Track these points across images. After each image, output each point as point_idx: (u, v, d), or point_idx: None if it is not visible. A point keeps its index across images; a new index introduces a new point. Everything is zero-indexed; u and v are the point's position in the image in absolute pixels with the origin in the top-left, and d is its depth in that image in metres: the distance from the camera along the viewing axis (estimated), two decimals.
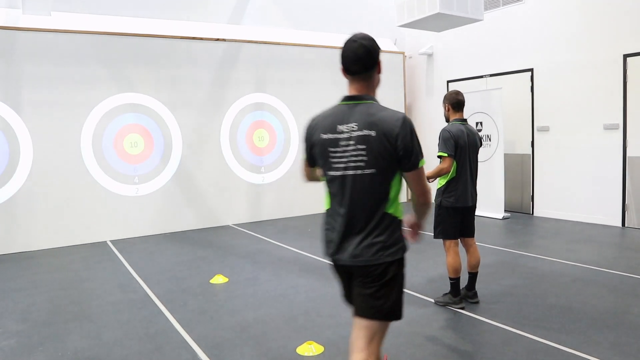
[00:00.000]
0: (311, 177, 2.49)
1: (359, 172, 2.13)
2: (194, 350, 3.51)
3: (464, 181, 4.13)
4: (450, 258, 4.18)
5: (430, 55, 10.35)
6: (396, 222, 2.20)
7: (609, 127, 7.28)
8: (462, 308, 4.15)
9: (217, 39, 8.32)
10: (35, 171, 6.94)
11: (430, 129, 10.27)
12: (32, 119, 6.91)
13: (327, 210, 2.30)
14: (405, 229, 2.28)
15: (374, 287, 2.17)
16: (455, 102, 4.21)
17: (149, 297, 4.74)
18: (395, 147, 2.09)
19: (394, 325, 3.83)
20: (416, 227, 2.36)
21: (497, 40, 8.89)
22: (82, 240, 7.29)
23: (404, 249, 2.23)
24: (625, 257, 5.60)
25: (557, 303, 4.21)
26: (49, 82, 7.01)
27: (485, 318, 3.91)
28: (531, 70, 8.36)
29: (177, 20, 8.22)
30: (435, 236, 4.27)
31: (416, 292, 4.59)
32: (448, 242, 4.20)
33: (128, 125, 7.62)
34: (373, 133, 2.09)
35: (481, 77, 9.22)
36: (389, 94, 10.30)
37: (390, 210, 2.18)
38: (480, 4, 6.73)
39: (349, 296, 2.38)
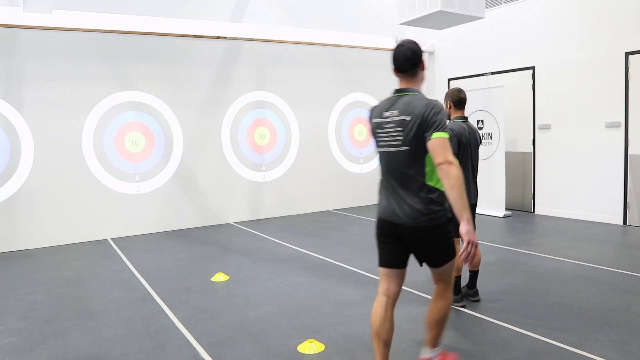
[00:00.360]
0: None
1: (396, 149, 2.63)
2: (195, 348, 3.52)
3: (465, 179, 4.12)
4: None
5: (431, 53, 10.34)
6: (436, 193, 2.61)
7: (611, 125, 7.27)
8: (463, 306, 4.14)
9: (218, 37, 8.32)
10: (36, 169, 6.94)
11: None
12: (33, 117, 6.92)
13: (380, 179, 2.82)
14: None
15: (418, 246, 2.69)
16: (457, 100, 4.20)
17: (150, 295, 4.74)
18: (423, 126, 2.53)
19: (395, 323, 3.83)
20: (469, 244, 2.42)
21: (498, 38, 8.87)
22: (83, 238, 7.29)
23: (443, 217, 2.63)
24: (627, 255, 5.59)
25: (558, 301, 4.21)
26: (50, 80, 7.01)
27: (486, 316, 3.91)
28: (532, 68, 8.34)
29: (178, 18, 8.20)
30: None
31: (417, 290, 4.59)
32: None
33: (129, 123, 7.62)
34: (408, 117, 2.58)
35: (482, 75, 9.21)
36: (390, 91, 10.27)
37: (430, 183, 2.61)
38: (482, 1, 6.70)
39: (394, 253, 2.75)
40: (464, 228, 2.40)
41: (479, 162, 4.35)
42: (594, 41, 7.44)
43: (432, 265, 2.75)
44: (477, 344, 3.42)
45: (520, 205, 8.75)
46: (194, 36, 8.09)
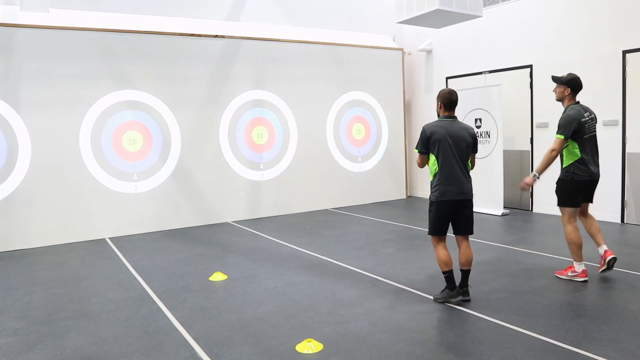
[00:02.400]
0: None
1: (594, 134, 4.68)
2: (193, 348, 3.51)
3: (447, 175, 4.15)
4: (437, 252, 4.27)
5: (429, 52, 10.34)
6: None
7: (608, 124, 7.27)
8: (464, 301, 4.17)
9: (216, 36, 8.30)
10: (33, 168, 6.93)
11: None
12: (30, 116, 6.90)
13: (582, 156, 4.62)
14: None
15: (593, 190, 4.82)
16: (447, 102, 4.27)
17: (148, 294, 4.74)
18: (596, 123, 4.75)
19: (393, 322, 3.83)
20: None
21: (496, 37, 8.87)
22: (81, 237, 7.28)
23: None
24: (625, 254, 5.60)
25: (556, 299, 4.21)
26: (47, 79, 6.99)
27: (484, 315, 3.92)
28: (530, 66, 8.34)
29: (175, 17, 8.20)
30: (428, 232, 4.35)
31: (415, 289, 4.59)
32: (433, 237, 4.30)
33: (127, 123, 7.60)
34: (593, 116, 4.69)
35: (480, 73, 9.21)
36: (388, 90, 10.29)
37: None
38: (480, 0, 6.70)
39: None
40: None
41: (476, 159, 4.52)
42: (592, 39, 7.44)
43: (591, 201, 4.82)
44: (475, 343, 3.43)
45: (518, 204, 8.76)
46: (192, 35, 8.07)
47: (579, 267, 4.66)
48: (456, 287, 4.23)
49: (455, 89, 4.41)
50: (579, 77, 4.69)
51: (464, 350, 3.32)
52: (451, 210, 4.21)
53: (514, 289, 4.54)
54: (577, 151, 4.61)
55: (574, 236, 4.65)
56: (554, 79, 4.86)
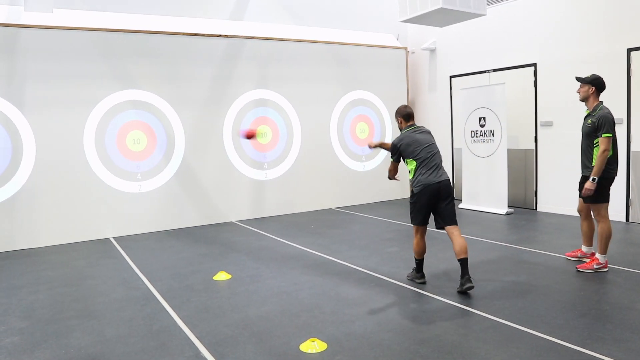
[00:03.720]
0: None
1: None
2: (197, 348, 3.52)
3: (425, 166, 4.54)
4: (414, 242, 4.71)
5: (432, 51, 10.31)
6: None
7: None
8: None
9: (219, 35, 8.31)
10: (38, 168, 6.95)
11: (432, 124, 10.25)
12: (35, 116, 6.92)
13: (613, 152, 4.73)
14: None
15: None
16: (406, 115, 4.79)
17: (152, 294, 4.75)
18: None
19: (397, 321, 3.83)
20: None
21: (500, 35, 8.84)
22: (85, 237, 7.30)
23: None
24: (630, 253, 5.57)
25: (561, 299, 4.20)
26: (51, 79, 7.01)
27: (489, 314, 3.91)
28: (534, 65, 8.31)
29: (179, 16, 8.20)
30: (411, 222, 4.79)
31: (419, 288, 4.58)
32: (414, 227, 4.68)
33: (130, 122, 7.61)
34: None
35: (484, 72, 9.18)
36: (391, 89, 10.27)
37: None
38: None
39: None
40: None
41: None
42: (596, 37, 7.40)
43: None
44: (480, 342, 3.42)
45: (523, 203, 8.73)
46: (195, 34, 8.08)
47: (604, 259, 4.88)
48: (422, 272, 4.73)
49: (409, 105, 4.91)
50: (602, 77, 4.81)
51: (468, 350, 3.31)
52: (432, 199, 4.49)
53: (518, 288, 4.52)
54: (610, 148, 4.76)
55: (611, 230, 4.86)
56: (578, 79, 4.96)
